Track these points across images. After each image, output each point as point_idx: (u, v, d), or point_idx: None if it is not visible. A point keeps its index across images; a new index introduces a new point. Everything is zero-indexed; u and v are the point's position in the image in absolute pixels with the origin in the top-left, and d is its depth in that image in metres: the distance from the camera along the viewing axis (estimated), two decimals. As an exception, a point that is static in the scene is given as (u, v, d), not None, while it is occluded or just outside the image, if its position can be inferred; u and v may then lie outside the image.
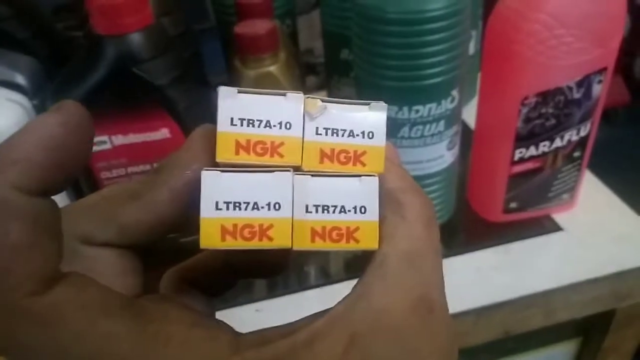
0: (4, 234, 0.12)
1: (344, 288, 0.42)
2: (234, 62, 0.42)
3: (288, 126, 0.15)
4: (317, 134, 0.15)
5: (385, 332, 0.14)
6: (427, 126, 0.41)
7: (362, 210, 0.15)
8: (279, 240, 0.15)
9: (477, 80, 0.63)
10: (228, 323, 0.15)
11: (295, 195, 0.15)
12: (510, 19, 0.39)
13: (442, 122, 0.41)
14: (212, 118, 0.16)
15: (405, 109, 0.40)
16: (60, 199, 0.13)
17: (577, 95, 0.42)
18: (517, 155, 0.44)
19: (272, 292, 0.44)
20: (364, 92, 0.42)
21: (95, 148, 0.40)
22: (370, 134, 0.16)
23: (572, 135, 0.44)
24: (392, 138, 0.42)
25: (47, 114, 0.13)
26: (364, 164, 0.15)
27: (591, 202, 0.50)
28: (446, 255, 0.46)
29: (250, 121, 0.15)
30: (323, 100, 0.15)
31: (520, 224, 0.48)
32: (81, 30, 0.57)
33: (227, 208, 0.14)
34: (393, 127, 0.41)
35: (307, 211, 0.15)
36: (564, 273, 0.44)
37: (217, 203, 0.14)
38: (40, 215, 0.13)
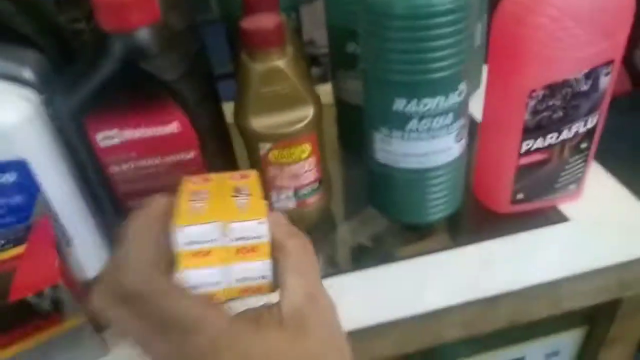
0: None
1: (350, 278, 0.43)
2: (241, 56, 0.42)
3: (214, 241, 0.29)
4: (231, 241, 0.29)
5: (293, 314, 0.27)
6: (436, 119, 0.41)
7: (263, 277, 0.29)
8: (221, 299, 0.29)
9: (482, 71, 0.63)
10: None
11: (227, 276, 0.29)
12: (518, 12, 0.39)
13: (450, 115, 0.41)
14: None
15: (414, 102, 0.40)
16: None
17: (584, 87, 0.42)
18: (525, 147, 0.44)
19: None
20: (372, 86, 0.42)
21: (104, 142, 0.40)
22: (259, 237, 0.29)
23: (579, 127, 0.44)
24: (400, 131, 0.42)
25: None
26: (259, 252, 0.29)
27: (597, 193, 0.50)
28: (453, 246, 0.47)
29: (194, 242, 0.28)
30: (232, 221, 0.29)
31: (527, 214, 0.49)
32: (86, 22, 0.57)
33: (194, 287, 0.28)
34: (401, 120, 0.41)
35: (234, 283, 0.29)
36: (570, 263, 0.44)
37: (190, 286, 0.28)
38: None
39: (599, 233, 0.47)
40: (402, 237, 0.49)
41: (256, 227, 0.29)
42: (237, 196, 0.31)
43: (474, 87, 0.62)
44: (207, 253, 0.29)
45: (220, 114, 0.48)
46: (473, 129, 0.49)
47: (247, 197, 0.31)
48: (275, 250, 0.29)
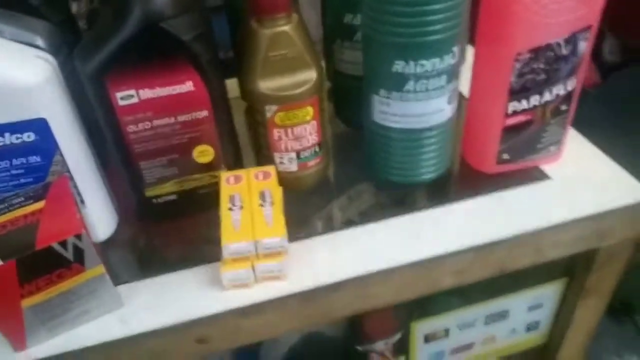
0: None
1: (348, 233, 0.45)
2: (250, 24, 0.45)
3: (249, 251, 0.42)
4: (260, 250, 0.42)
5: None
6: (431, 80, 0.44)
7: (280, 271, 0.43)
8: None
9: (467, 50, 0.67)
10: None
11: (255, 271, 0.43)
12: (508, -20, 0.42)
13: (444, 77, 0.45)
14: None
15: (412, 63, 0.43)
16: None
17: (565, 51, 0.46)
18: (510, 108, 0.48)
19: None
20: (372, 51, 0.45)
21: (122, 102, 0.43)
22: (281, 246, 0.42)
23: (559, 90, 0.48)
24: (399, 92, 0.45)
25: None
26: (280, 256, 0.42)
27: (575, 155, 0.54)
28: (445, 202, 0.50)
29: (234, 253, 0.42)
30: (262, 238, 0.41)
31: (512, 174, 0.53)
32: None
33: (230, 279, 0.44)
34: (400, 82, 0.45)
35: (259, 273, 0.43)
36: (551, 215, 0.48)
37: None
38: None
39: (576, 189, 0.51)
40: (390, 213, 0.52)
41: (279, 241, 0.41)
42: (263, 205, 0.43)
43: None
44: (243, 259, 0.42)
45: (224, 82, 0.51)
46: (460, 101, 0.52)
47: (271, 206, 0.43)
48: None
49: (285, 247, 0.42)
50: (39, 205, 0.41)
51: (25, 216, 0.40)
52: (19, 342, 0.40)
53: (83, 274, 0.40)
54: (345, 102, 0.61)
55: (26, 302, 0.39)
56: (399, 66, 0.44)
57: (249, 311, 0.42)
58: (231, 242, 0.41)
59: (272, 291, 0.43)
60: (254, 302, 0.42)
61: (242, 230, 0.41)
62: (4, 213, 0.40)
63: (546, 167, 0.53)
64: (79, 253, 0.39)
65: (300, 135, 0.48)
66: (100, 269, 0.41)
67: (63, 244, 0.38)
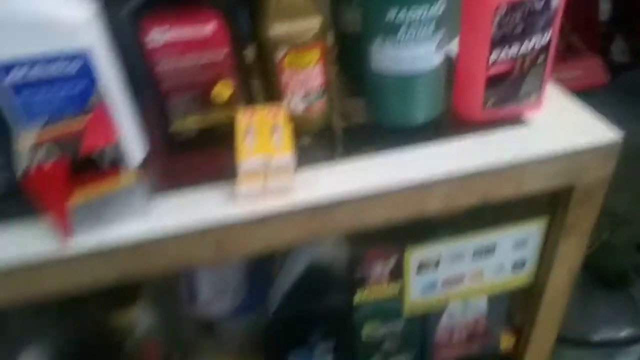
0: None
1: (348, 163, 0.52)
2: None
3: (261, 165, 0.49)
4: (271, 166, 0.50)
5: None
6: (421, 28, 0.51)
7: (287, 187, 0.51)
8: None
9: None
10: None
11: (266, 187, 0.50)
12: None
13: (432, 25, 0.52)
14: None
15: (403, 11, 0.50)
16: None
17: (538, 6, 0.52)
18: (493, 58, 0.55)
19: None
20: (369, 3, 0.52)
21: (153, 42, 0.50)
22: (289, 163, 0.49)
23: (536, 42, 0.55)
24: (393, 39, 0.52)
25: None
26: (288, 172, 0.50)
27: (555, 105, 0.61)
28: (435, 141, 0.57)
29: (250, 169, 0.50)
30: (273, 153, 0.49)
31: (497, 121, 0.59)
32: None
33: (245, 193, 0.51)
34: (393, 29, 0.51)
35: (269, 188, 0.50)
36: (530, 151, 0.54)
37: None
38: None
39: (554, 132, 0.57)
40: (386, 147, 0.58)
41: (288, 159, 0.48)
42: (274, 134, 0.50)
43: (453, 35, 0.73)
44: (256, 175, 0.49)
45: (242, 27, 0.57)
46: (452, 67, 0.59)
47: (281, 135, 0.50)
48: None
49: (293, 165, 0.49)
50: (82, 121, 0.48)
51: (70, 130, 0.47)
52: (65, 232, 0.47)
53: (119, 178, 0.47)
54: (349, 61, 0.68)
55: (72, 199, 0.46)
56: (392, 14, 0.51)
57: (260, 221, 0.49)
58: (246, 159, 0.48)
59: (281, 205, 0.49)
60: (265, 214, 0.49)
61: (255, 151, 0.48)
62: (51, 126, 0.47)
63: (528, 116, 0.60)
64: (115, 160, 0.46)
65: (307, 77, 0.55)
66: (133, 175, 0.48)
67: (102, 151, 0.45)
